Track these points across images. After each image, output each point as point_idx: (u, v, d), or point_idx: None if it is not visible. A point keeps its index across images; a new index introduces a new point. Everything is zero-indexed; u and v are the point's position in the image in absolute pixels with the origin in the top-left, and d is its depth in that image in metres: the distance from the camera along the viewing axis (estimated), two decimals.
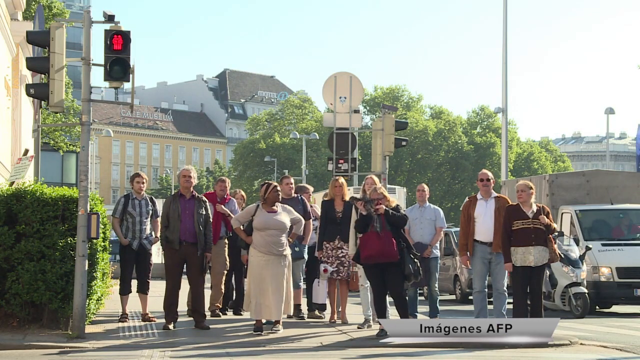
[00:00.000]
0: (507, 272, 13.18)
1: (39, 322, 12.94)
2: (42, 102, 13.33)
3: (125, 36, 12.67)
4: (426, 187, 15.47)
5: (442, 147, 79.51)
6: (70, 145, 42.62)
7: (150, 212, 14.23)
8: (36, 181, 16.16)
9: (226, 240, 15.15)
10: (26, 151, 23.65)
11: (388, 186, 22.79)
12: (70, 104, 39.77)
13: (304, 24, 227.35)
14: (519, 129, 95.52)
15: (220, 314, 15.26)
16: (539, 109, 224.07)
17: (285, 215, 12.75)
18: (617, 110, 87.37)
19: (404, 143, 22.50)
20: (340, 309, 14.29)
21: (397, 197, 34.50)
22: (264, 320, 12.80)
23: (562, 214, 20.82)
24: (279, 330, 12.70)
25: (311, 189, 15.96)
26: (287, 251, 12.73)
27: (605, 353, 12.00)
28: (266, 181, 13.23)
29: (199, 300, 13.39)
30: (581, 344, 12.66)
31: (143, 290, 14.27)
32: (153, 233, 14.31)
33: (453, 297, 25.28)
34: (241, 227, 12.88)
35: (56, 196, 13.08)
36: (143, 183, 14.31)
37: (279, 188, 12.85)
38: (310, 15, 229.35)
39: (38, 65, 13.27)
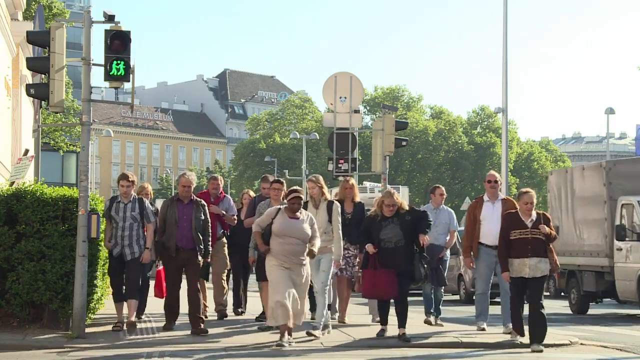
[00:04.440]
0: None
1: (39, 322, 12.95)
2: (42, 102, 13.33)
3: (126, 36, 12.68)
4: (444, 191, 14.96)
5: (442, 147, 79.55)
6: (70, 145, 42.57)
7: (138, 216, 12.86)
8: (36, 181, 16.16)
9: (224, 240, 14.95)
10: (26, 151, 23.63)
11: (390, 186, 22.72)
12: (70, 104, 39.70)
13: (304, 24, 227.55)
14: (519, 129, 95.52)
15: (227, 313, 15.00)
16: (539, 109, 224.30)
17: (308, 224, 11.70)
18: (617, 110, 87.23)
19: (404, 143, 22.46)
20: (340, 309, 14.19)
21: (401, 196, 34.34)
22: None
23: (622, 205, 18.76)
24: (290, 342, 11.67)
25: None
26: (307, 261, 11.73)
27: (605, 353, 12.01)
28: (292, 189, 11.93)
29: (195, 304, 12.85)
30: (581, 344, 12.67)
31: (129, 296, 13.03)
32: (144, 240, 12.93)
33: (457, 297, 24.98)
34: (261, 231, 11.76)
35: (56, 196, 13.07)
36: (129, 186, 12.89)
37: (302, 195, 11.71)
38: (310, 15, 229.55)
39: (38, 65, 13.28)
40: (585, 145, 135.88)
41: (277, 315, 11.42)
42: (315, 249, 11.64)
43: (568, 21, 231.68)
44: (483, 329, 13.37)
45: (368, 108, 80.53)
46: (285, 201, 11.92)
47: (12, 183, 16.50)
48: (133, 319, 13.06)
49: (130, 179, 12.91)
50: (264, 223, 11.73)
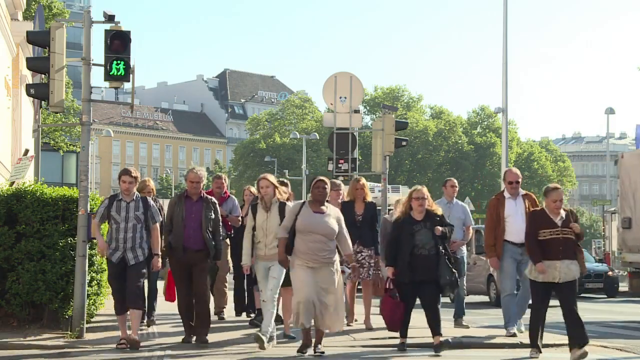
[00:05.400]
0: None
1: (39, 322, 12.96)
2: (42, 102, 13.35)
3: (126, 36, 12.69)
4: (456, 182, 14.60)
5: (442, 147, 79.58)
6: (70, 145, 42.61)
7: (142, 216, 11.60)
8: (36, 181, 16.16)
9: (228, 241, 14.69)
10: (26, 151, 23.64)
11: (390, 186, 22.68)
12: (70, 104, 39.75)
13: (304, 24, 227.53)
14: (519, 129, 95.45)
15: (225, 316, 14.94)
16: (539, 109, 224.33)
17: (334, 219, 10.89)
18: (617, 110, 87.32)
19: (404, 143, 22.46)
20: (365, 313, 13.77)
21: (402, 196, 34.28)
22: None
23: None
24: (322, 351, 10.96)
25: (344, 186, 14.29)
26: (336, 258, 10.88)
27: (605, 353, 12.00)
28: (318, 177, 11.12)
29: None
30: None
31: (130, 304, 11.62)
32: (147, 244, 11.67)
33: (486, 298, 23.53)
34: (287, 236, 10.79)
35: (56, 196, 13.08)
36: (131, 182, 11.59)
37: (327, 183, 10.99)
38: (310, 15, 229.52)
39: (38, 65, 13.30)
40: (585, 145, 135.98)
41: (298, 316, 10.71)
42: (350, 259, 11.09)
43: (568, 21, 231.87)
44: (513, 335, 12.78)
45: (368, 108, 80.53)
46: (311, 193, 11.05)
47: (12, 183, 16.51)
48: (137, 333, 11.74)
49: (133, 175, 11.60)
50: (289, 223, 10.80)
